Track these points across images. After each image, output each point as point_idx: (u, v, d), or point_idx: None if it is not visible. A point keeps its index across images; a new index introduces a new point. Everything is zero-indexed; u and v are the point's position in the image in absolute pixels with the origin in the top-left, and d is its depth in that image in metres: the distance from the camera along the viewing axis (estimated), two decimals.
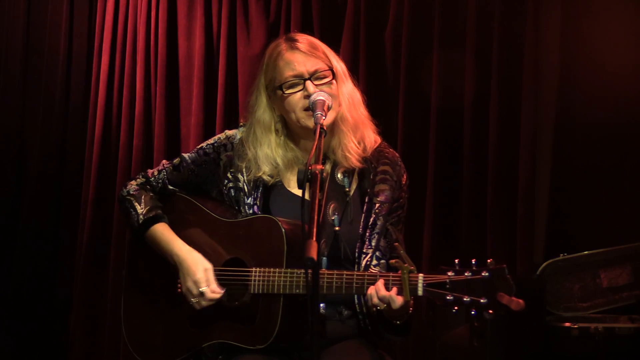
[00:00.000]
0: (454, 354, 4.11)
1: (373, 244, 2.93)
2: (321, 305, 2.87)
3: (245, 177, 3.00)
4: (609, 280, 4.03)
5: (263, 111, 2.99)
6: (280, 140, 2.99)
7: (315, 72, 2.90)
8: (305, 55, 2.91)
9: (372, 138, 3.02)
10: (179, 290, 2.95)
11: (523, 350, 3.88)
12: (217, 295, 2.87)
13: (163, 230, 3.00)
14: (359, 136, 2.98)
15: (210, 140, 3.09)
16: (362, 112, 3.02)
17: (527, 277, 4.10)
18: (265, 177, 2.98)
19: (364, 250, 2.93)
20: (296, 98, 2.89)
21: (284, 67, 2.91)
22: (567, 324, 3.86)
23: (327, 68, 2.92)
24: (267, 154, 2.98)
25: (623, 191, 4.33)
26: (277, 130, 2.99)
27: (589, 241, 4.16)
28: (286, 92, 2.90)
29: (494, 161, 4.35)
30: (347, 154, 2.95)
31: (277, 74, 2.93)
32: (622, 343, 3.82)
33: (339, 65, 2.99)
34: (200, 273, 2.88)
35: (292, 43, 2.94)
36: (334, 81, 2.92)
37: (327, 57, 2.94)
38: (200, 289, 2.87)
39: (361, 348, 2.90)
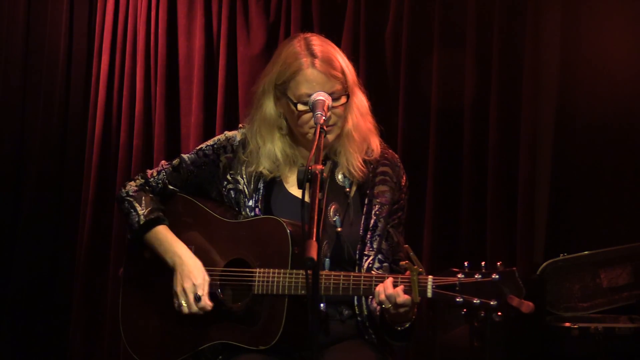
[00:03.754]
0: (454, 354, 4.12)
1: (375, 246, 2.94)
2: (322, 305, 2.87)
3: (245, 177, 3.00)
4: (609, 280, 4.03)
5: (269, 108, 2.97)
6: (283, 138, 2.99)
7: (332, 94, 2.86)
8: (325, 76, 2.86)
9: (378, 145, 3.02)
10: None
11: (523, 350, 3.89)
12: (209, 308, 2.87)
13: (165, 232, 2.99)
14: (365, 147, 2.98)
15: (210, 142, 3.08)
16: (369, 121, 3.01)
17: (527, 277, 4.10)
18: (265, 172, 2.98)
19: (366, 253, 2.93)
20: (308, 116, 2.87)
21: (302, 82, 2.87)
22: (567, 324, 3.86)
23: (342, 90, 2.89)
24: (270, 149, 2.98)
25: (623, 191, 4.33)
26: (280, 128, 2.99)
27: (589, 241, 4.16)
28: (300, 109, 2.87)
29: (494, 161, 4.35)
30: (352, 170, 2.95)
31: (292, 85, 2.89)
32: (622, 343, 3.82)
33: (352, 77, 2.96)
34: (201, 279, 2.88)
35: (313, 59, 2.88)
36: (346, 102, 2.91)
37: (344, 75, 2.91)
38: (198, 294, 2.86)
39: (362, 348, 2.90)
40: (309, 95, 2.85)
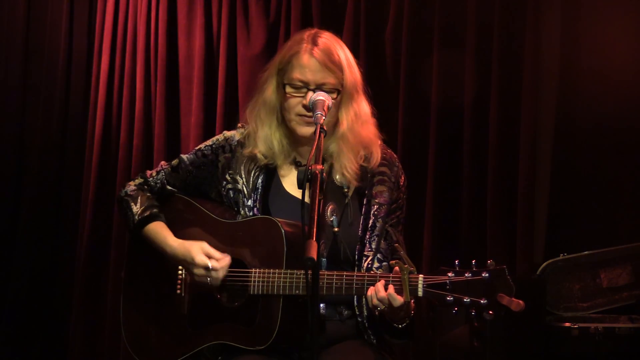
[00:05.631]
0: (454, 354, 4.11)
1: (373, 246, 2.93)
2: (321, 305, 2.87)
3: (244, 177, 3.00)
4: (609, 280, 4.03)
5: (271, 92, 2.98)
6: (279, 127, 2.99)
7: (323, 85, 2.87)
8: (320, 65, 2.87)
9: (379, 154, 3.00)
10: (178, 291, 2.96)
11: (523, 350, 3.88)
12: (226, 262, 2.85)
13: (158, 228, 2.99)
14: (362, 154, 2.97)
15: (209, 142, 3.08)
16: (371, 130, 3.00)
17: (527, 277, 4.10)
18: (259, 156, 2.97)
19: (365, 253, 2.93)
20: (295, 101, 2.89)
21: (295, 66, 2.89)
22: (567, 324, 3.86)
23: (335, 85, 2.89)
24: (267, 134, 2.98)
25: (623, 191, 4.33)
26: (277, 116, 2.99)
27: (589, 241, 4.15)
28: (287, 91, 2.90)
29: (494, 161, 4.35)
30: (346, 173, 2.94)
31: (288, 69, 2.92)
32: (622, 343, 3.82)
33: (353, 79, 2.95)
34: (199, 255, 2.86)
35: (313, 47, 2.90)
36: (337, 99, 2.90)
37: (342, 72, 2.91)
38: (209, 266, 2.84)
39: (361, 348, 2.90)
40: (300, 81, 2.87)
